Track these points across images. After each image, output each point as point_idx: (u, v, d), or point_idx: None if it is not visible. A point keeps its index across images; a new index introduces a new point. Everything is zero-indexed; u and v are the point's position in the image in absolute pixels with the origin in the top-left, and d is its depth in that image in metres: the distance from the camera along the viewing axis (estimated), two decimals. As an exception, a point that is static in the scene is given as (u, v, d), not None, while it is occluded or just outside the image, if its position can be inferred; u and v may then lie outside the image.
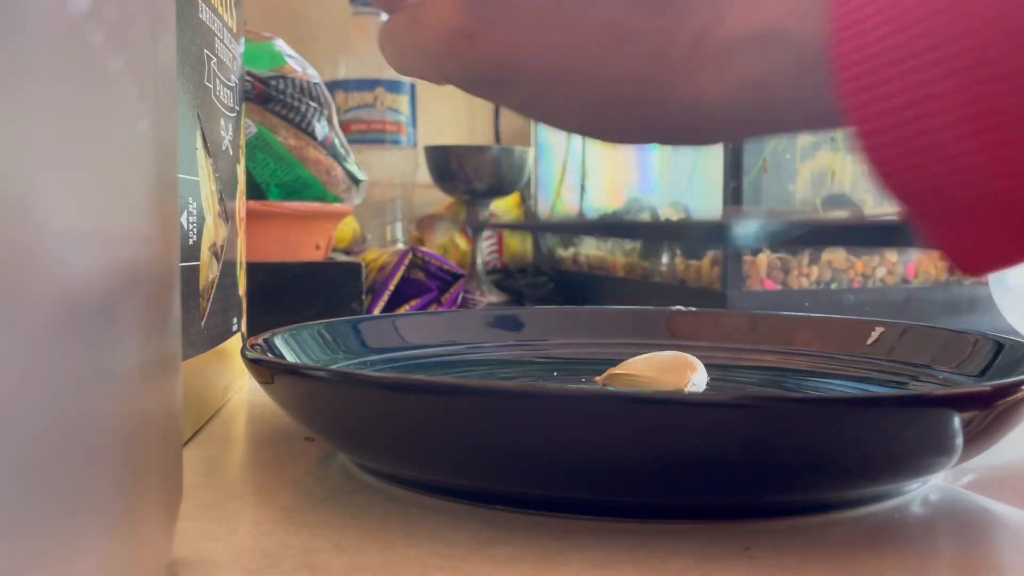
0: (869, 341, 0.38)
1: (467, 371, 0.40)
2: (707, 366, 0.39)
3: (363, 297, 0.62)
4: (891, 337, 0.38)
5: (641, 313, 0.45)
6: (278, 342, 0.33)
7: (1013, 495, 0.28)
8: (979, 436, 0.24)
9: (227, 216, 0.39)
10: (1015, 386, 0.24)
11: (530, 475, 0.24)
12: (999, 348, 0.33)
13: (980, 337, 0.34)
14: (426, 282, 0.73)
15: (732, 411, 0.22)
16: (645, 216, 0.79)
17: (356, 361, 0.37)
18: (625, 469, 0.23)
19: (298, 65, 0.63)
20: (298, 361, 0.33)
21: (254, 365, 0.29)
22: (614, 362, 0.41)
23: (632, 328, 0.43)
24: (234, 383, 0.42)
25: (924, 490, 0.27)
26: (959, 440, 0.23)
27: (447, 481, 0.25)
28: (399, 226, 1.00)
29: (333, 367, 0.34)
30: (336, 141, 0.63)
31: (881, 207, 0.71)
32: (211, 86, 0.36)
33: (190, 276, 0.33)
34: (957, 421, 0.23)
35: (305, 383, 0.27)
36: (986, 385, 0.24)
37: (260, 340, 0.32)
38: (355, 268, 0.62)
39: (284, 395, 0.28)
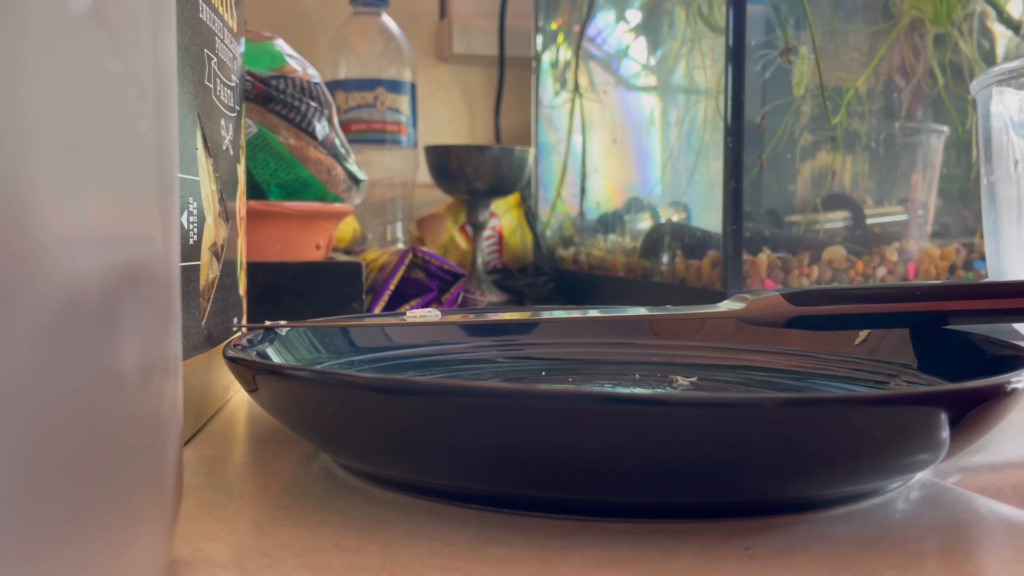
0: (857, 341, 0.38)
1: (455, 371, 0.40)
2: (692, 366, 0.39)
3: (363, 297, 0.62)
4: (875, 338, 0.37)
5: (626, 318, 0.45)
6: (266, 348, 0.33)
7: (1014, 495, 0.28)
8: (965, 432, 0.24)
9: (227, 216, 0.39)
10: (1005, 381, 0.24)
11: (526, 478, 0.24)
12: (980, 347, 0.33)
13: (963, 336, 0.34)
14: (426, 282, 0.73)
15: (721, 411, 0.22)
16: (645, 216, 0.78)
17: (343, 361, 0.37)
18: (623, 470, 0.23)
19: (298, 65, 0.63)
20: (283, 362, 0.33)
21: (236, 367, 0.28)
22: (600, 362, 0.41)
23: (616, 328, 0.43)
24: (234, 383, 0.42)
25: (923, 490, 0.27)
26: (946, 435, 0.23)
27: (445, 484, 0.25)
28: (399, 226, 1.00)
29: (317, 367, 0.34)
30: (336, 141, 0.63)
31: (881, 207, 0.71)
32: (211, 86, 0.36)
33: (190, 276, 0.33)
34: (944, 418, 0.23)
35: (289, 385, 0.26)
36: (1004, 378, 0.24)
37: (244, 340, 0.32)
38: (355, 268, 0.62)
39: (269, 402, 0.28)
